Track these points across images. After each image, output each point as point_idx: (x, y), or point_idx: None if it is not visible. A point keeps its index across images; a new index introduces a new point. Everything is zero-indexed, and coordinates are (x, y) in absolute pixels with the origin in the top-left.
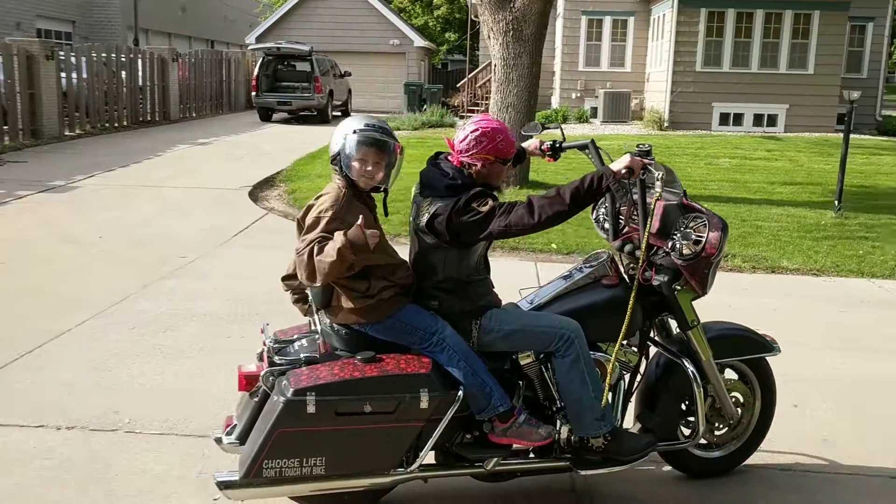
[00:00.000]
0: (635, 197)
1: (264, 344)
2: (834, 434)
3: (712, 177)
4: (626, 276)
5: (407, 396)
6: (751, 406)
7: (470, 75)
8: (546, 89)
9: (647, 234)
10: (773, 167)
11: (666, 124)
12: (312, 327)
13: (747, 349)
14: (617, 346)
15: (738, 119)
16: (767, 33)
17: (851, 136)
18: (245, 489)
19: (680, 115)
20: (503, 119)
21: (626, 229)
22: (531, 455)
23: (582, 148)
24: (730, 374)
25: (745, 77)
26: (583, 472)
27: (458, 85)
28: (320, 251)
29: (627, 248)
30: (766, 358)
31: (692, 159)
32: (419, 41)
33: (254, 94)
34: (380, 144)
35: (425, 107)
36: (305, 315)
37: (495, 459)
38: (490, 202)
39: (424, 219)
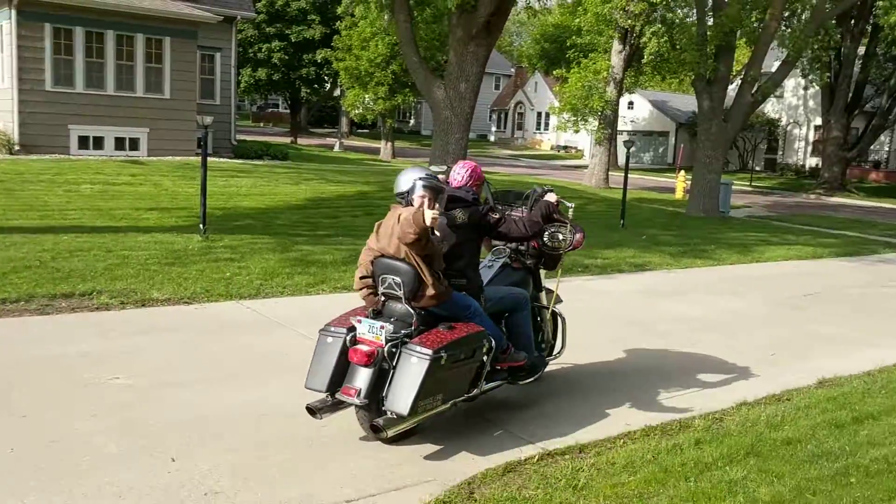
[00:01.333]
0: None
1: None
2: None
3: (73, 204)
4: (523, 261)
5: (480, 345)
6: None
7: None
8: None
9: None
10: (139, 192)
11: (16, 147)
12: (369, 311)
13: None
14: (552, 303)
15: (98, 142)
16: (121, 55)
17: (210, 159)
18: (403, 423)
19: (32, 138)
20: None
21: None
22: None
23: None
24: None
25: (101, 99)
26: (520, 383)
27: None
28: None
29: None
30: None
31: (49, 186)
32: None
33: None
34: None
35: None
36: (374, 306)
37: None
38: (497, 214)
39: (465, 217)
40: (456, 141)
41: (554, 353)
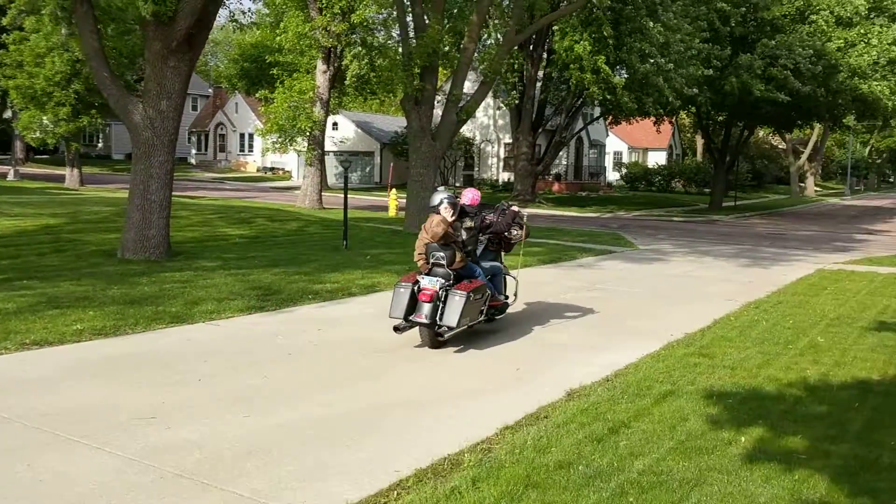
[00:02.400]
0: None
1: (424, 290)
2: None
3: None
4: (495, 247)
5: (484, 291)
6: None
7: None
8: None
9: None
10: None
11: None
12: (427, 276)
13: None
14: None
15: None
16: None
17: None
18: (453, 332)
19: None
20: None
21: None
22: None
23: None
24: None
25: None
26: (496, 318)
27: None
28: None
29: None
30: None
31: None
32: None
33: None
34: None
35: None
36: (425, 270)
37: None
38: (488, 219)
39: (471, 223)
40: (160, 164)
41: (510, 302)
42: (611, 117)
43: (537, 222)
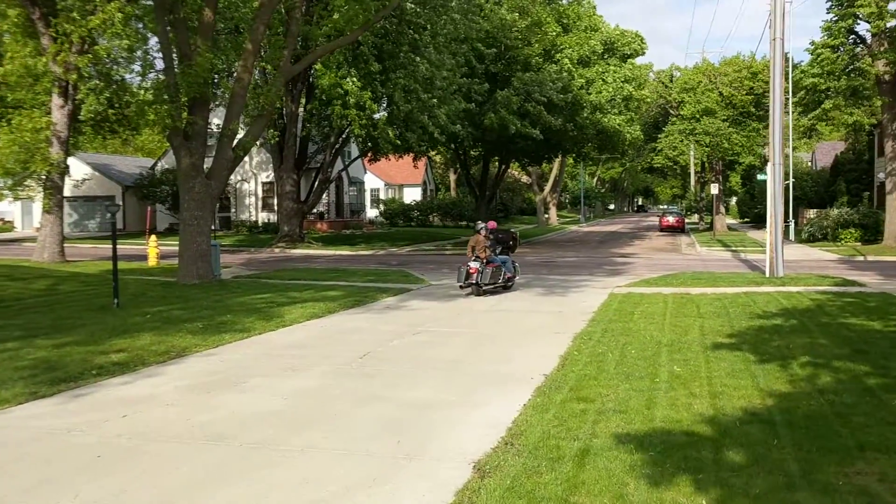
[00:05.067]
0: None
1: (473, 268)
2: None
3: None
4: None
5: (502, 269)
6: None
7: None
8: None
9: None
10: None
11: None
12: (474, 261)
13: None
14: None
15: None
16: None
17: None
18: (486, 288)
19: None
20: None
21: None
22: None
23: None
24: None
25: None
26: (482, 295)
27: None
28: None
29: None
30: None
31: None
32: None
33: None
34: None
35: None
36: (471, 258)
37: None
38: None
39: (493, 237)
40: None
41: (515, 280)
42: (370, 154)
43: (315, 264)
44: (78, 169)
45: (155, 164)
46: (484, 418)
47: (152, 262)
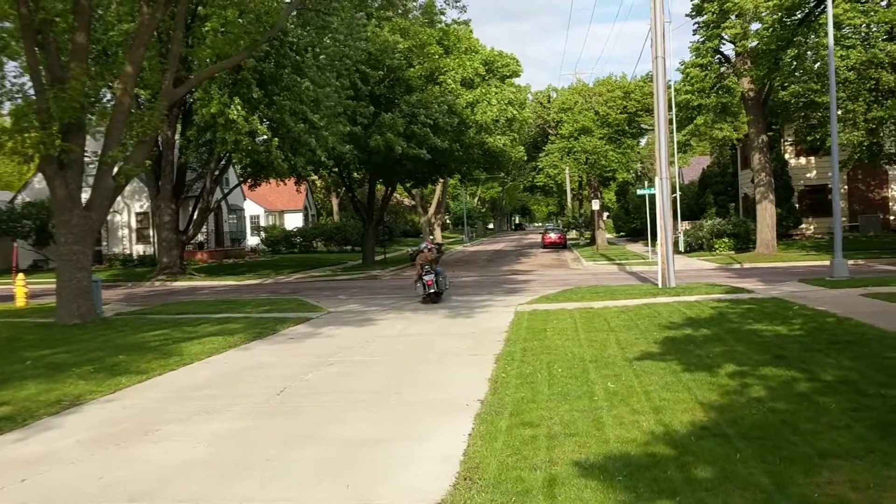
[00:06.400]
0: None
1: (425, 273)
2: None
3: None
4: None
5: (445, 277)
6: None
7: None
8: None
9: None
10: None
11: None
12: (427, 274)
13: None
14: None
15: None
16: None
17: None
18: (440, 293)
19: None
20: None
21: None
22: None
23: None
24: None
25: None
26: (438, 301)
27: None
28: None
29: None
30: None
31: None
32: None
33: None
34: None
35: None
36: (421, 270)
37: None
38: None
39: (436, 250)
40: None
41: (444, 290)
42: (251, 180)
43: (201, 296)
44: None
45: (14, 196)
46: (431, 452)
47: (20, 302)
